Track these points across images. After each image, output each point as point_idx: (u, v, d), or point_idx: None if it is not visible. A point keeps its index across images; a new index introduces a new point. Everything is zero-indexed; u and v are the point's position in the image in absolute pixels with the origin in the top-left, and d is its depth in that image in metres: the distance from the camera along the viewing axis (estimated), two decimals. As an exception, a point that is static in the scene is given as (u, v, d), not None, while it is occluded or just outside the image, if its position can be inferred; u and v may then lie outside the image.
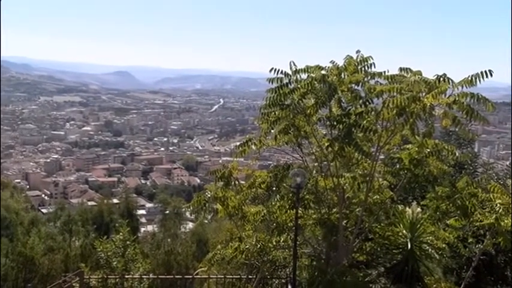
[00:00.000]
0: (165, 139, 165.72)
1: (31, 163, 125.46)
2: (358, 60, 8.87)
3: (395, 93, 8.31)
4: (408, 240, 8.69)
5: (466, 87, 7.89)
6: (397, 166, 9.74)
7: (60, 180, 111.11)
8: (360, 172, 9.60)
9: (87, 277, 10.73)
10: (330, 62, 9.01)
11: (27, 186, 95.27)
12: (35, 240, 24.71)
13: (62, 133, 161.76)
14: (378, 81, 8.95)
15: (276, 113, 9.11)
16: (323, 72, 8.79)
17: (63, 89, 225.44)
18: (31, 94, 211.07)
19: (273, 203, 9.98)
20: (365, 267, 9.70)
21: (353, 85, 8.88)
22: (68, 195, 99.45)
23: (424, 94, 8.10)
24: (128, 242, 12.22)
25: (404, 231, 8.88)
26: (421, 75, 8.47)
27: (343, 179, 9.41)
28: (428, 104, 8.02)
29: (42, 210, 65.03)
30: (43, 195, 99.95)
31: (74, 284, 9.95)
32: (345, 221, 9.72)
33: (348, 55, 8.96)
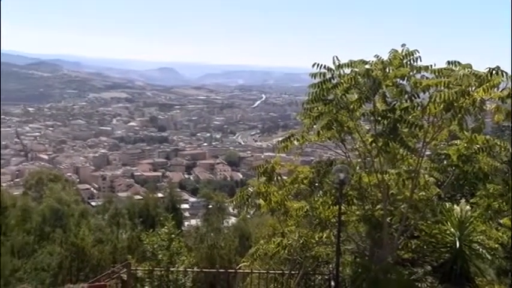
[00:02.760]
0: (208, 134, 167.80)
1: (81, 157, 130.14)
2: (404, 54, 8.66)
3: (442, 88, 8.08)
4: (457, 238, 8.45)
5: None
6: (445, 162, 9.48)
7: (108, 174, 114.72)
8: (405, 168, 9.40)
9: (134, 268, 11.05)
10: (375, 56, 8.86)
11: (78, 180, 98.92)
12: (85, 232, 25.76)
13: (109, 128, 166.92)
14: (424, 76, 8.72)
15: (319, 108, 9.06)
16: (367, 66, 8.66)
17: (110, 86, 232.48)
18: (81, 91, 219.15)
19: (316, 199, 9.95)
20: (410, 265, 9.49)
21: (398, 79, 8.69)
22: (115, 188, 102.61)
23: (474, 88, 7.82)
24: (173, 236, 12.49)
25: (452, 229, 8.64)
26: (471, 68, 8.18)
27: (387, 175, 9.25)
28: (479, 99, 7.74)
29: (91, 203, 67.55)
30: (92, 189, 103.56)
31: (122, 275, 10.27)
32: (389, 218, 9.55)
33: (393, 49, 8.76)
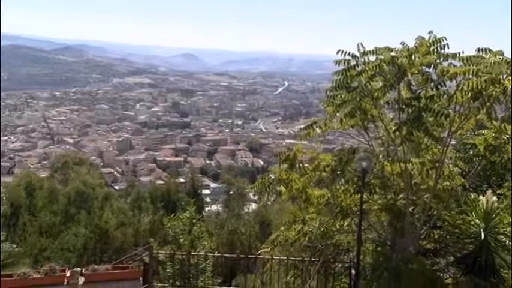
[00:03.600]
0: (230, 121, 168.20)
1: (105, 142, 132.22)
2: (431, 41, 8.46)
3: (471, 76, 7.88)
4: (482, 230, 8.30)
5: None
6: (471, 152, 9.29)
7: (131, 159, 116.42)
8: (429, 158, 9.25)
9: (156, 252, 11.22)
10: (400, 43, 8.68)
11: (101, 164, 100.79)
12: (109, 215, 26.33)
13: (133, 113, 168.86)
14: (451, 63, 8.51)
15: (342, 95, 8.97)
16: (392, 54, 8.50)
17: (134, 71, 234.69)
18: (105, 76, 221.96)
19: (338, 187, 9.88)
20: (433, 256, 9.39)
21: (424, 67, 8.51)
22: (138, 173, 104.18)
23: (505, 76, 7.60)
24: (194, 220, 12.62)
25: (477, 220, 8.48)
26: (502, 55, 7.94)
27: (411, 164, 9.12)
28: (510, 87, 7.52)
29: (115, 186, 68.81)
30: (115, 173, 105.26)
31: (144, 258, 10.45)
32: (411, 207, 9.44)
33: (420, 36, 8.57)
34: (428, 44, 8.48)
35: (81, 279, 8.10)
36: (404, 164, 9.05)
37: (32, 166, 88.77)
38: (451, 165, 9.39)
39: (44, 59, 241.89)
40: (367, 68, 8.59)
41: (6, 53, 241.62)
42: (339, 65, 8.70)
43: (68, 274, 8.02)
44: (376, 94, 8.68)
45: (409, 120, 8.43)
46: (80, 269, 8.38)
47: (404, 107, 8.58)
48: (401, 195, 9.49)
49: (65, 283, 7.95)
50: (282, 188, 10.20)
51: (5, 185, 25.87)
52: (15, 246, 18.06)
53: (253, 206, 43.90)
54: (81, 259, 22.52)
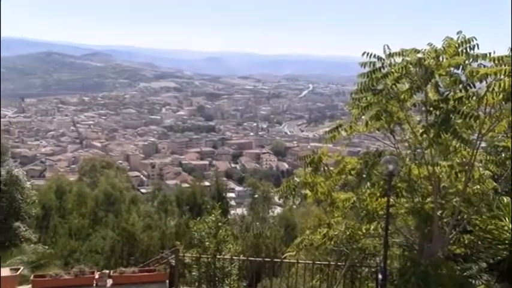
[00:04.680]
0: (255, 124, 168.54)
1: (131, 145, 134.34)
2: (459, 41, 8.27)
3: (502, 76, 7.67)
4: (516, 235, 8.05)
5: None
6: (503, 155, 9.03)
7: (157, 162, 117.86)
8: (458, 161, 9.04)
9: (182, 255, 11.30)
10: (428, 44, 8.53)
11: (128, 167, 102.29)
12: (135, 218, 26.69)
13: (159, 117, 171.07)
14: (481, 64, 8.31)
15: (368, 98, 8.87)
16: (419, 55, 8.35)
17: (160, 75, 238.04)
18: (132, 80, 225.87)
19: (363, 190, 9.76)
20: (463, 261, 9.15)
21: (452, 68, 8.34)
22: (164, 176, 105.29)
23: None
24: (219, 224, 12.67)
25: (510, 225, 8.23)
26: None
27: (439, 167, 8.94)
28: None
29: (141, 190, 69.73)
30: (141, 176, 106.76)
31: (170, 261, 10.55)
32: (440, 211, 9.24)
33: (448, 36, 8.40)
34: (457, 45, 8.29)
35: (109, 281, 8.24)
36: (432, 167, 8.88)
37: (61, 170, 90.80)
38: (481, 169, 9.15)
39: (74, 65, 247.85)
40: (393, 70, 8.48)
41: (39, 60, 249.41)
42: (364, 67, 8.62)
43: (96, 276, 8.19)
44: (402, 96, 8.56)
45: (437, 123, 8.27)
46: (108, 271, 8.53)
47: (431, 109, 8.42)
48: (429, 199, 9.30)
49: (94, 285, 8.10)
50: (307, 192, 10.14)
51: (36, 188, 26.52)
52: (47, 247, 18.58)
53: (278, 209, 43.80)
54: (108, 261, 22.89)
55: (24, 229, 19.15)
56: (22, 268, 8.52)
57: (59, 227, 27.47)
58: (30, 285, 7.86)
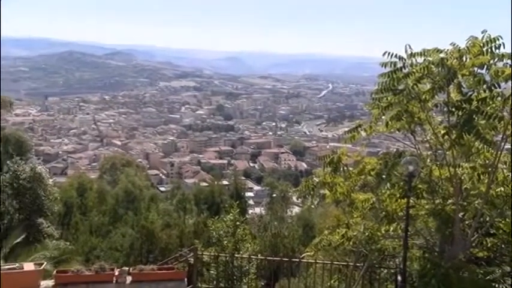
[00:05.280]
0: (273, 124, 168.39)
1: (151, 144, 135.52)
2: (484, 41, 8.13)
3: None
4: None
5: None
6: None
7: (176, 161, 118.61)
8: (481, 162, 8.89)
9: (200, 253, 11.37)
10: (451, 44, 8.41)
11: (148, 166, 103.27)
12: (155, 216, 26.94)
13: (178, 116, 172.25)
14: (507, 64, 8.15)
15: (389, 98, 8.82)
16: (442, 55, 8.24)
17: (179, 75, 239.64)
18: (152, 79, 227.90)
19: (383, 191, 9.68)
20: (486, 264, 8.99)
21: (476, 68, 8.20)
22: (182, 175, 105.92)
23: None
24: (238, 223, 12.72)
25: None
26: None
27: (460, 168, 8.81)
28: None
29: (160, 188, 70.35)
30: (161, 174, 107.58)
31: (189, 259, 10.62)
32: (461, 213, 9.10)
33: (472, 36, 8.26)
34: (482, 44, 8.16)
35: (129, 278, 8.34)
36: (454, 169, 8.75)
37: (83, 167, 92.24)
38: (505, 170, 8.98)
39: (95, 64, 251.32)
40: (414, 70, 8.40)
41: (62, 59, 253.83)
42: (385, 67, 8.56)
43: (116, 273, 8.29)
44: (423, 97, 8.46)
45: (459, 124, 8.17)
46: (127, 268, 8.63)
47: (453, 109, 8.32)
48: (450, 201, 9.17)
49: (114, 281, 8.21)
50: (326, 192, 10.10)
51: (58, 185, 27.01)
52: (68, 244, 18.91)
53: (297, 209, 43.71)
54: (128, 259, 23.16)
55: (47, 225, 19.54)
56: (45, 263, 8.70)
57: (80, 223, 27.91)
58: (53, 280, 8.02)
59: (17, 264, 8.21)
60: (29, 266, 8.18)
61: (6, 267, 8.16)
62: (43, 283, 7.95)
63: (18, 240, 12.74)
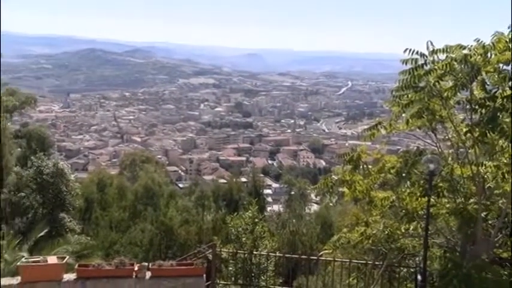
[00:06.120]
0: (292, 121, 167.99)
1: (170, 140, 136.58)
2: (510, 36, 7.95)
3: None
4: None
5: None
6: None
7: (194, 158, 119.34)
8: (506, 161, 8.72)
9: (219, 250, 11.41)
10: (475, 40, 8.25)
11: (167, 162, 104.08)
12: (173, 212, 27.19)
13: (197, 113, 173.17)
14: None
15: (409, 95, 8.70)
16: (465, 51, 8.10)
17: (198, 72, 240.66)
18: (171, 76, 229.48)
19: (403, 190, 9.58)
20: (510, 265, 8.82)
21: (502, 65, 8.04)
22: (201, 172, 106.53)
23: None
24: (256, 220, 12.74)
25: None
26: None
27: (483, 167, 8.65)
28: None
29: (179, 184, 70.87)
30: (179, 171, 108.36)
31: (207, 255, 10.67)
32: (484, 213, 8.94)
33: (497, 31, 8.09)
34: (507, 40, 7.98)
35: (148, 274, 8.41)
36: (476, 167, 8.60)
37: (103, 163, 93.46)
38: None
39: (116, 61, 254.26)
40: (436, 67, 8.28)
41: (84, 57, 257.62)
42: (406, 64, 8.45)
43: (136, 268, 8.37)
44: (445, 94, 8.33)
45: (483, 121, 8.02)
46: (146, 263, 8.71)
47: (477, 107, 8.17)
48: (472, 200, 9.02)
49: (134, 276, 8.30)
50: (345, 189, 10.04)
51: (80, 180, 27.43)
52: (89, 238, 19.24)
53: (315, 206, 43.57)
54: (147, 254, 23.43)
55: (68, 220, 19.92)
56: (68, 257, 8.84)
57: (100, 219, 28.31)
58: (75, 274, 8.15)
59: (41, 257, 8.37)
60: (52, 260, 8.32)
61: (31, 260, 8.32)
62: (65, 276, 8.07)
63: (42, 234, 13.00)
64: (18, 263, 8.35)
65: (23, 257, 9.57)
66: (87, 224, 26.83)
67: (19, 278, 7.90)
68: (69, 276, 8.11)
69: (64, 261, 8.34)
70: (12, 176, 20.04)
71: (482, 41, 8.18)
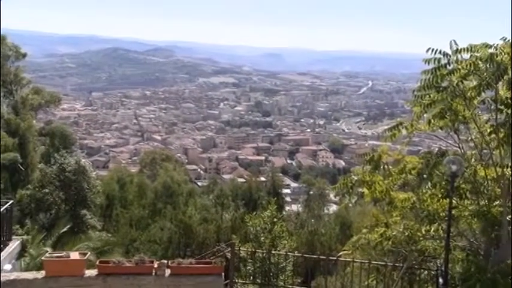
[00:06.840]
0: (312, 121, 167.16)
1: (190, 139, 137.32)
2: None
3: None
4: None
5: None
6: None
7: (214, 157, 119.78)
8: (532, 163, 8.53)
9: (238, 249, 11.43)
10: (501, 38, 8.08)
11: (186, 161, 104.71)
12: (192, 210, 27.36)
13: (217, 112, 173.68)
14: None
15: (431, 95, 8.59)
16: (490, 50, 7.94)
17: (218, 71, 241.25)
18: (192, 75, 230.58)
19: (424, 191, 9.45)
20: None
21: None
22: (220, 170, 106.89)
23: None
24: (275, 219, 12.72)
25: None
26: None
27: (508, 169, 8.47)
28: None
29: (198, 183, 71.24)
30: (199, 170, 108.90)
31: (226, 254, 10.70)
32: (510, 216, 8.75)
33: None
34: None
35: (167, 271, 8.48)
36: (501, 169, 8.43)
37: (123, 161, 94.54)
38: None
39: (137, 60, 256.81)
40: (460, 67, 8.14)
41: (107, 56, 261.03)
42: (428, 63, 8.34)
43: (155, 265, 8.45)
44: (469, 94, 8.19)
45: (508, 122, 7.86)
46: (166, 261, 8.78)
47: (502, 107, 8.01)
48: (496, 202, 8.84)
49: (153, 274, 8.38)
50: (365, 190, 9.95)
51: (101, 178, 27.83)
52: (110, 235, 19.53)
53: (334, 207, 43.30)
54: (166, 252, 23.64)
55: (90, 217, 20.26)
56: (89, 253, 8.98)
57: (121, 216, 28.67)
58: (96, 270, 8.27)
59: (64, 253, 8.52)
60: (74, 255, 8.46)
61: (55, 255, 8.49)
62: (87, 272, 8.20)
63: (65, 229, 13.24)
64: (43, 258, 8.54)
65: (47, 251, 9.76)
66: (107, 221, 27.23)
67: (43, 272, 8.05)
68: (90, 272, 8.24)
69: (86, 257, 8.48)
70: (37, 173, 20.46)
71: (509, 40, 8.02)
